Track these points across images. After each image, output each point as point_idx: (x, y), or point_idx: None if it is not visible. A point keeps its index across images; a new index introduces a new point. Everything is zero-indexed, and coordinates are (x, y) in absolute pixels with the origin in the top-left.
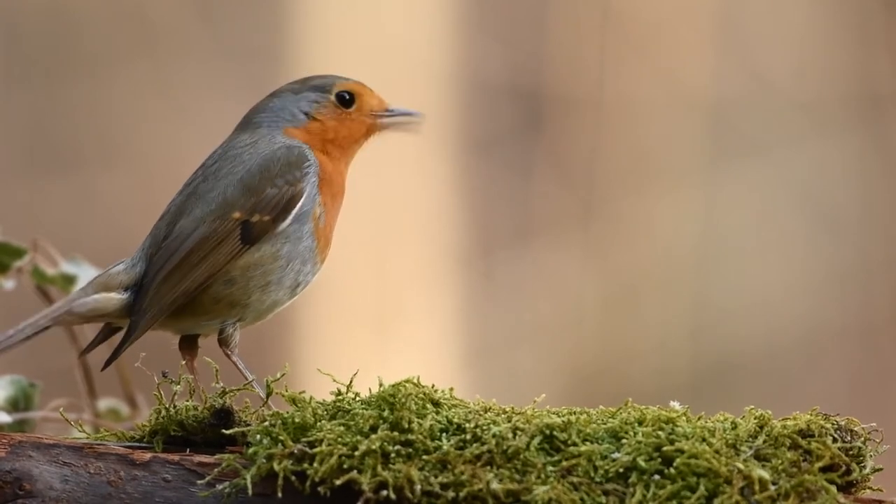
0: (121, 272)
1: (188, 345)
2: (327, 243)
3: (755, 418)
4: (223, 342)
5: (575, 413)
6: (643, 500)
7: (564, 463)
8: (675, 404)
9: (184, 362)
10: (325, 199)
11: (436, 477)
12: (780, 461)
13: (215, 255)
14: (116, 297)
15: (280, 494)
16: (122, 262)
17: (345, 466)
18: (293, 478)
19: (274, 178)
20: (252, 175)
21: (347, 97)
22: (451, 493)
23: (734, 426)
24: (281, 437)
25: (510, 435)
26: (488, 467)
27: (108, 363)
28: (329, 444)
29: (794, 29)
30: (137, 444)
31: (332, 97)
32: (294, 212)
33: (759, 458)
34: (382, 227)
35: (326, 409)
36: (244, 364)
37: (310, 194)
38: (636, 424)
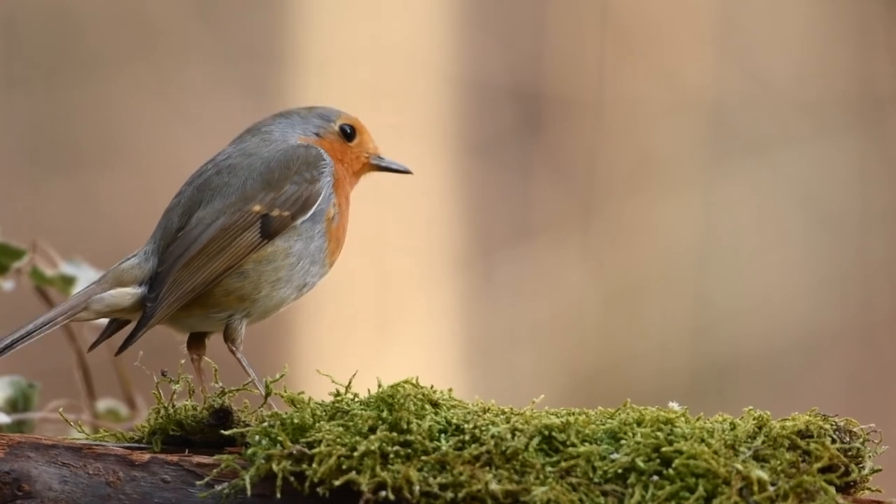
0: (134, 266)
1: (196, 344)
2: (338, 245)
3: (754, 419)
4: (229, 338)
5: (574, 414)
6: (642, 501)
7: (563, 464)
8: (674, 405)
9: (182, 361)
10: (339, 200)
11: (434, 477)
12: (778, 462)
13: (235, 247)
14: (132, 292)
15: (279, 495)
16: (134, 255)
17: (344, 467)
18: (292, 478)
19: (293, 175)
20: (272, 170)
21: (349, 130)
22: (449, 494)
23: (733, 427)
24: (280, 438)
25: (509, 436)
26: (487, 468)
27: (121, 349)
28: (328, 445)
29: (794, 30)
30: (136, 445)
31: (336, 127)
32: (312, 210)
33: (758, 458)
34: (382, 227)
35: (325, 410)
36: (247, 361)
37: (325, 194)
38: (635, 425)
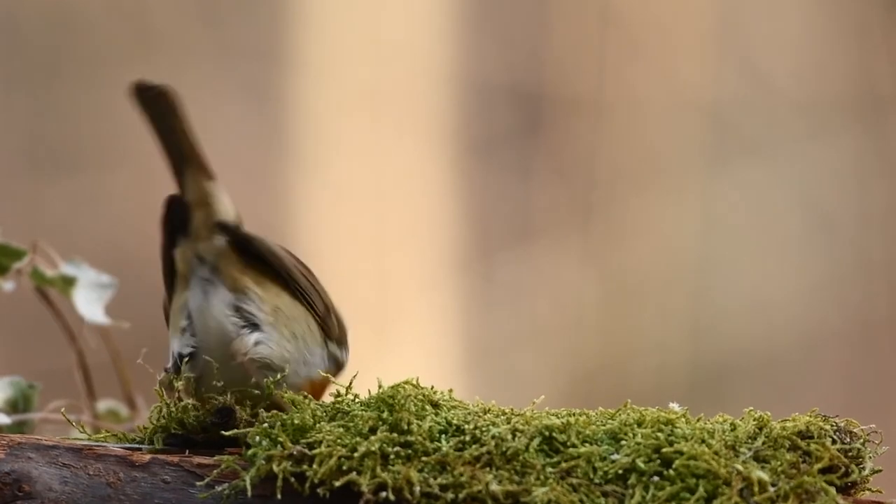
0: None
1: None
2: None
3: (754, 420)
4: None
5: (574, 414)
6: (642, 502)
7: (564, 464)
8: (675, 406)
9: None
10: None
11: (435, 478)
12: (779, 462)
13: None
14: None
15: (279, 496)
16: None
17: (344, 468)
18: (292, 479)
19: None
20: None
21: None
22: (450, 495)
23: (733, 427)
24: (280, 439)
25: (509, 436)
26: (487, 469)
27: None
28: (328, 446)
29: (793, 30)
30: (137, 446)
31: None
32: None
33: (759, 459)
34: (382, 228)
35: (326, 411)
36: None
37: None
38: (635, 426)
